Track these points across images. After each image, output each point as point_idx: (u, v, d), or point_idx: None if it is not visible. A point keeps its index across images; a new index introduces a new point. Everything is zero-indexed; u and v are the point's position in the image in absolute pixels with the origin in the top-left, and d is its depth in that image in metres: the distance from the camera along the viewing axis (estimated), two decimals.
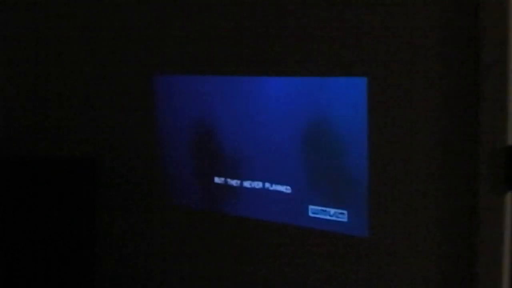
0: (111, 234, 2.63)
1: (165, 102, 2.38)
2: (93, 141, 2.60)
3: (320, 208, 2.08)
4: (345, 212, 2.03)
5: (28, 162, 2.52)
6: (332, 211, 2.05)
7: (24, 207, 2.47)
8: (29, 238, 2.47)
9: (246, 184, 2.22)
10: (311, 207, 2.10)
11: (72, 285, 2.46)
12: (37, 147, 2.75)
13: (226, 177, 2.27)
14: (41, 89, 2.73)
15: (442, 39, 1.77)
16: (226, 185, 2.27)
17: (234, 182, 2.25)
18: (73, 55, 2.61)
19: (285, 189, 2.13)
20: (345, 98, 1.96)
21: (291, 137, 2.09)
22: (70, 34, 2.60)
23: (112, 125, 2.53)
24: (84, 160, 2.49)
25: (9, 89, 2.85)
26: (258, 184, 2.19)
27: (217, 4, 2.18)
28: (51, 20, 2.64)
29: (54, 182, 2.47)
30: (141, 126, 2.45)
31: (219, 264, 2.35)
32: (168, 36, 2.33)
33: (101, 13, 2.49)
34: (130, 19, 2.42)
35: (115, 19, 2.46)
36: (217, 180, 2.30)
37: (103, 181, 2.56)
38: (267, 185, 2.17)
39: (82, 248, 2.46)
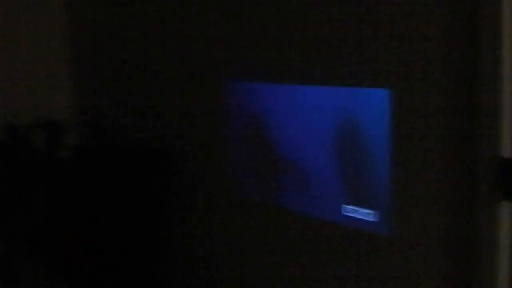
0: (179, 223, 2.97)
1: (233, 105, 2.68)
2: (169, 136, 2.97)
3: (351, 207, 2.26)
4: (372, 212, 2.20)
5: (111, 150, 2.95)
6: (362, 210, 2.23)
7: (102, 191, 2.88)
8: (102, 220, 2.87)
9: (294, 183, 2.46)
10: (344, 206, 2.29)
11: (139, 271, 2.81)
12: (123, 137, 3.18)
13: (282, 175, 2.52)
14: (130, 89, 3.17)
15: (446, 56, 1.91)
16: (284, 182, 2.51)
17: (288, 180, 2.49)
18: (157, 60, 3.04)
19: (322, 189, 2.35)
20: (370, 107, 2.14)
21: (326, 143, 2.30)
22: (155, 40, 3.00)
23: (187, 122, 2.89)
24: (159, 152, 2.85)
25: (102, 88, 3.33)
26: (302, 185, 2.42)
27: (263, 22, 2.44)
28: (138, 28, 3.05)
29: (132, 169, 2.86)
30: (212, 125, 2.77)
31: (285, 259, 2.59)
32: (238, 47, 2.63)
33: (181, 24, 2.86)
34: (207, 31, 2.75)
35: (195, 30, 2.81)
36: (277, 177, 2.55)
37: (176, 172, 2.91)
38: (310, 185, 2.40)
39: (150, 232, 2.81)
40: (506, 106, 1.77)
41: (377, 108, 2.12)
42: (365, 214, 2.22)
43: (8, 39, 3.35)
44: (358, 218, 2.24)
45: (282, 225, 2.55)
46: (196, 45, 2.82)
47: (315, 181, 2.38)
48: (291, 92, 2.42)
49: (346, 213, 2.28)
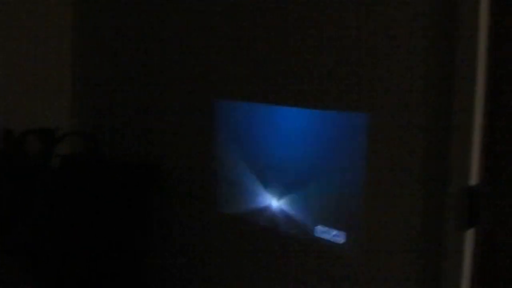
0: (165, 234, 2.98)
1: (222, 123, 2.70)
2: (159, 150, 2.99)
3: (322, 228, 2.26)
4: (341, 233, 2.20)
5: (106, 163, 2.97)
6: (332, 231, 2.23)
7: (89, 203, 2.90)
8: (93, 232, 2.89)
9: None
10: (316, 227, 2.29)
11: (124, 282, 2.83)
12: (114, 150, 3.22)
13: (262, 193, 2.52)
14: (125, 103, 3.22)
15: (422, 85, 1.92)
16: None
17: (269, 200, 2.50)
18: (151, 77, 3.08)
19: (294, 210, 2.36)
20: (348, 131, 2.15)
21: (303, 163, 2.31)
22: (151, 58, 3.05)
23: (177, 138, 2.91)
24: (149, 166, 2.87)
25: (98, 100, 3.38)
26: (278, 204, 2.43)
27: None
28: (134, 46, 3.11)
29: (121, 182, 2.89)
30: (201, 142, 2.79)
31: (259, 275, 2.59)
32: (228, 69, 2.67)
33: (176, 43, 2.90)
34: (200, 52, 2.79)
35: (188, 50, 2.86)
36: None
37: (164, 186, 2.93)
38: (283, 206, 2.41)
39: (135, 242, 2.83)
40: (475, 139, 1.78)
41: (355, 132, 2.13)
42: (335, 235, 2.22)
43: (6, 45, 3.40)
44: (327, 240, 2.24)
45: (261, 243, 2.55)
46: (189, 65, 2.86)
47: (293, 201, 2.38)
48: (274, 112, 2.44)
49: (317, 234, 2.28)
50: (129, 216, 2.87)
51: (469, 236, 1.82)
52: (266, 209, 2.48)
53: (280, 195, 2.43)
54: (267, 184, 2.48)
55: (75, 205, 2.98)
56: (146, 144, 3.11)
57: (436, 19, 1.88)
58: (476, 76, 1.78)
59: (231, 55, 2.63)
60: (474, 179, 1.81)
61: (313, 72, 2.27)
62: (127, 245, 2.85)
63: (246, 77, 2.56)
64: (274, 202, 2.46)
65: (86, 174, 3.06)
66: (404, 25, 1.96)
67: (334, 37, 2.19)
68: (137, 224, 2.87)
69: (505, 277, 1.81)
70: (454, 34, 1.82)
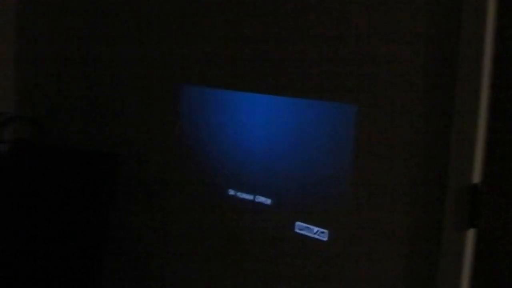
0: (123, 228, 2.80)
1: (187, 110, 2.52)
2: (119, 139, 2.79)
3: (304, 224, 2.13)
4: (325, 231, 2.08)
5: (57, 151, 2.76)
6: (314, 228, 2.10)
7: (45, 192, 2.68)
8: (43, 225, 2.67)
9: (241, 195, 2.32)
10: (297, 223, 2.16)
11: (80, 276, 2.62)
12: (70, 138, 3.00)
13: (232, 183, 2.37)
14: (79, 87, 2.99)
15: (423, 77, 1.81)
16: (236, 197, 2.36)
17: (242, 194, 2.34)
18: (110, 57, 2.85)
19: (269, 202, 2.22)
20: (335, 123, 2.02)
21: (283, 154, 2.17)
22: (110, 37, 2.83)
23: (138, 125, 2.72)
24: (108, 155, 2.67)
25: (49, 82, 3.14)
26: (247, 196, 2.28)
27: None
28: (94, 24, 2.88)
29: (79, 171, 2.68)
30: (164, 129, 2.61)
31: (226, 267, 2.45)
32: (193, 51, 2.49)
33: (138, 22, 2.70)
34: (165, 32, 2.60)
35: (151, 30, 2.66)
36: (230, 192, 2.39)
37: (124, 176, 2.74)
38: (255, 197, 2.26)
39: (93, 239, 2.62)
40: (480, 131, 1.69)
41: (343, 124, 2.00)
42: (317, 232, 2.10)
43: None
44: (309, 236, 2.12)
45: (229, 234, 2.41)
46: (151, 46, 2.66)
47: (267, 193, 2.24)
48: (250, 100, 2.29)
49: (298, 230, 2.15)
50: (85, 210, 2.66)
51: (470, 236, 1.73)
52: (237, 202, 2.34)
53: (255, 188, 2.28)
54: (240, 176, 2.33)
55: (24, 197, 2.74)
56: (102, 131, 2.90)
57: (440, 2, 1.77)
58: (481, 69, 1.68)
59: (204, 35, 2.45)
60: (476, 177, 1.71)
61: (295, 59, 2.13)
62: (81, 244, 2.64)
63: (218, 61, 2.39)
64: (247, 196, 2.31)
65: (38, 163, 2.82)
66: (404, 9, 1.84)
67: (320, 17, 2.05)
68: (94, 218, 2.66)
69: (505, 278, 1.74)
70: (458, 21, 1.71)
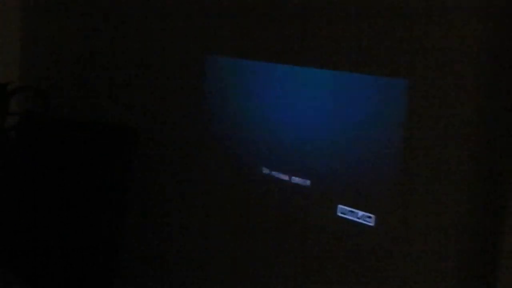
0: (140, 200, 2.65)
1: (214, 82, 2.37)
2: (137, 113, 2.63)
3: (348, 208, 2.00)
4: (372, 216, 1.94)
5: (78, 124, 2.59)
6: (360, 213, 1.97)
7: (60, 167, 2.53)
8: (59, 199, 2.52)
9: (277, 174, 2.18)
10: (339, 206, 2.02)
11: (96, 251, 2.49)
12: (92, 112, 2.83)
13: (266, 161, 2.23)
14: (104, 61, 2.81)
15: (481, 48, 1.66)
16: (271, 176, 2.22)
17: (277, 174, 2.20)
18: (132, 31, 2.67)
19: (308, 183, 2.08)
20: (385, 98, 1.87)
21: (324, 131, 2.03)
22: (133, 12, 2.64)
23: (162, 99, 2.56)
24: (126, 128, 2.52)
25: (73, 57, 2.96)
26: (285, 177, 2.14)
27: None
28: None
29: (95, 146, 2.52)
30: (189, 104, 2.45)
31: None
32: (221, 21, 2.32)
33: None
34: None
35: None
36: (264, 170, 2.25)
37: (143, 152, 2.58)
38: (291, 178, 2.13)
39: (110, 216, 2.48)
40: None
41: (393, 100, 1.85)
42: (363, 217, 1.96)
43: None
44: (354, 221, 1.98)
45: (262, 217, 2.27)
46: (175, 16, 2.48)
47: (305, 174, 2.10)
48: (289, 73, 2.13)
49: (341, 214, 2.02)
50: (102, 186, 2.51)
51: None
52: (272, 182, 2.20)
53: (292, 168, 2.14)
54: (279, 155, 2.18)
55: (38, 174, 2.59)
56: (120, 104, 2.74)
57: None
58: None
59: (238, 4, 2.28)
60: None
61: (342, 30, 1.97)
62: (99, 225, 2.49)
63: (255, 33, 2.23)
64: (283, 176, 2.17)
65: (51, 136, 2.65)
66: None
67: None
68: (113, 197, 2.51)
69: None
70: None
